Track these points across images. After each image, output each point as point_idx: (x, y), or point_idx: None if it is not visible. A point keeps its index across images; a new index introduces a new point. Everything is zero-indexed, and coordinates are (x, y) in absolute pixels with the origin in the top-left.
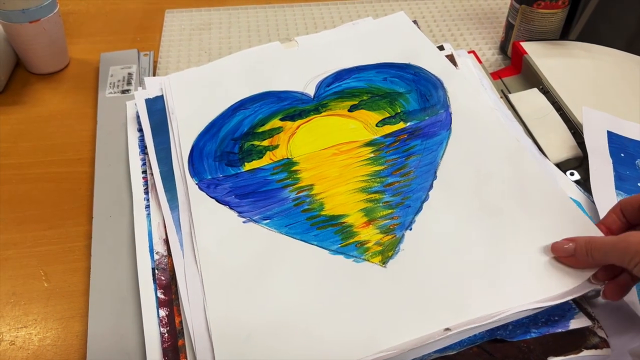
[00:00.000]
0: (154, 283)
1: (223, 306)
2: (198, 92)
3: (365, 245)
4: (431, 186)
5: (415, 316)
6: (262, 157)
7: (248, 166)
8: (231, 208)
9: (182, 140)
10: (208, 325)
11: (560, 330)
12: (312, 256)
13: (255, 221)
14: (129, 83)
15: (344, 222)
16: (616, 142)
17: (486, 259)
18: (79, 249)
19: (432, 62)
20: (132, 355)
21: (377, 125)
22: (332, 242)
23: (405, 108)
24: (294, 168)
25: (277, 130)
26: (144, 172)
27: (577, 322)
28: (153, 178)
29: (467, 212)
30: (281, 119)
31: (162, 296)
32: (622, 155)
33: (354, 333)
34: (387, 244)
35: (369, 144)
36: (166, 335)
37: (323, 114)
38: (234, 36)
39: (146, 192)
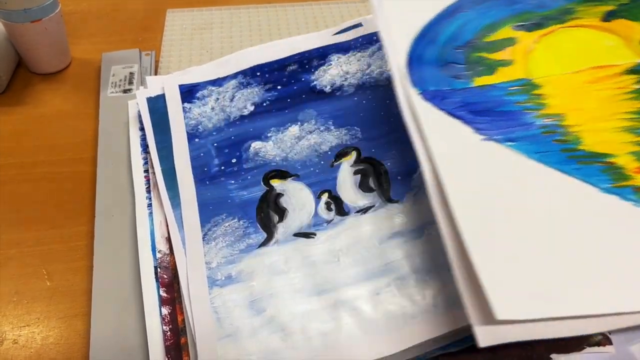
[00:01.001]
0: (156, 281)
1: (477, 226)
2: None
3: None
4: None
5: None
6: (492, 73)
7: (478, 81)
8: (466, 123)
9: (398, 44)
10: (468, 252)
11: None
12: (576, 190)
13: (496, 141)
14: (130, 82)
15: (612, 162)
16: None
17: None
18: (81, 248)
19: None
20: (134, 353)
21: None
22: (600, 179)
23: None
24: (537, 92)
25: (509, 42)
26: (146, 170)
27: None
28: (155, 177)
29: None
30: (514, 28)
31: (164, 294)
32: None
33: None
34: None
35: (634, 70)
36: (169, 333)
37: (568, 23)
38: (236, 35)
39: (148, 191)
